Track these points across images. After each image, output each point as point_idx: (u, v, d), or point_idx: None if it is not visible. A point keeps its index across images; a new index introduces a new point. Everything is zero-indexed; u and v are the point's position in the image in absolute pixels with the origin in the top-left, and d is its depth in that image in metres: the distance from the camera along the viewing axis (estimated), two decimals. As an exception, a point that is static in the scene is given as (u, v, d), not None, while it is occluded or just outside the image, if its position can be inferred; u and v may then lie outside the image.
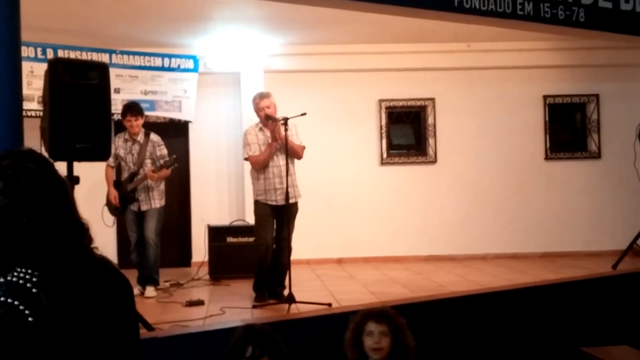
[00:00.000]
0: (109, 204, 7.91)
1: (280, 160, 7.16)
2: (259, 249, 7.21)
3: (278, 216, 7.25)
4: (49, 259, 1.66)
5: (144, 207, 7.84)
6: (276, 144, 7.12)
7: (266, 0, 6.45)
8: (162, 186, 7.98)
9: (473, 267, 9.48)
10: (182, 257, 10.36)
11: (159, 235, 7.92)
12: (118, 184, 7.92)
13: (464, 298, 6.84)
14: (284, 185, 7.07)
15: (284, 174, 7.09)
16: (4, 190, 1.65)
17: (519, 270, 9.09)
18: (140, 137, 7.88)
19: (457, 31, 9.09)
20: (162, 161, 7.83)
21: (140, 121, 7.84)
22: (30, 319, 1.55)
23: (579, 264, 9.37)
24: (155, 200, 7.87)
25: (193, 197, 10.48)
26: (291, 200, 7.14)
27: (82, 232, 1.77)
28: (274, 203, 7.17)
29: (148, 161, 7.85)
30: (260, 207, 7.25)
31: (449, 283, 8.15)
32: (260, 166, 7.19)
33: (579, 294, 7.14)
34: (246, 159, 7.41)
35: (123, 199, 7.81)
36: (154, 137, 7.95)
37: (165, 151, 7.95)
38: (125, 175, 7.91)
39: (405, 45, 10.35)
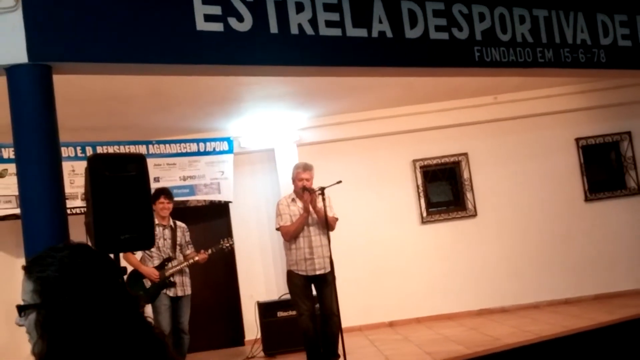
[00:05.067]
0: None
1: (312, 230, 7.24)
2: (299, 319, 7.25)
3: (315, 286, 7.30)
4: (106, 349, 1.71)
5: (180, 293, 7.66)
6: (307, 215, 7.21)
7: (290, 76, 6.62)
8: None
9: (527, 317, 9.38)
10: (235, 336, 10.38)
11: None
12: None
13: (522, 349, 6.76)
14: (314, 256, 7.14)
15: (315, 244, 7.17)
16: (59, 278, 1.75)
17: (574, 315, 8.98)
18: (171, 223, 7.91)
19: (482, 85, 9.19)
20: (220, 245, 8.10)
21: (171, 206, 7.84)
22: None
23: (635, 303, 9.22)
24: (188, 287, 7.76)
25: (240, 275, 10.54)
26: (319, 272, 7.19)
27: (136, 304, 1.86)
28: (304, 273, 7.22)
29: (178, 247, 7.86)
30: (293, 277, 7.31)
31: (504, 335, 8.08)
32: (290, 237, 7.27)
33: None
34: (278, 229, 7.49)
35: (157, 285, 7.61)
36: (181, 224, 7.99)
37: (189, 238, 8.05)
38: (154, 262, 7.70)
39: (433, 104, 10.45)
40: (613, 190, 10.94)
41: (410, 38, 5.70)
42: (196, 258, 7.83)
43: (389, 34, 5.59)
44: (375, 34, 5.53)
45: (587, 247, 10.61)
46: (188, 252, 7.91)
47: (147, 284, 7.56)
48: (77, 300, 1.73)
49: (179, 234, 7.88)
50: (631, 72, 7.27)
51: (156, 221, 7.60)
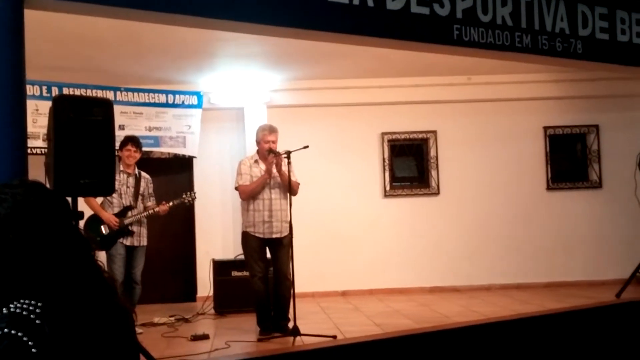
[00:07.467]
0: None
1: (273, 194, 7.24)
2: (252, 281, 7.27)
3: (270, 249, 7.32)
4: (54, 289, 1.68)
5: (135, 243, 7.74)
6: (267, 177, 7.19)
7: (269, 35, 6.53)
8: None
9: (477, 298, 9.48)
10: (188, 291, 10.39)
11: None
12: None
13: (468, 328, 6.85)
14: (273, 220, 7.15)
15: (274, 208, 7.18)
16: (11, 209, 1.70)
17: (523, 301, 9.09)
18: (136, 172, 7.93)
19: (458, 64, 9.18)
20: (185, 196, 8.17)
21: (138, 155, 7.89)
22: (33, 350, 1.55)
23: (583, 293, 9.36)
24: (144, 238, 7.83)
25: (198, 231, 10.52)
26: (275, 235, 7.20)
27: (87, 247, 1.83)
28: (261, 236, 7.23)
29: (140, 197, 7.91)
30: (249, 238, 7.31)
31: (453, 314, 8.16)
32: (247, 196, 7.26)
33: (584, 323, 7.14)
34: (236, 189, 7.47)
35: (115, 232, 7.62)
36: (145, 175, 8.04)
37: (152, 190, 8.10)
38: (114, 209, 7.72)
39: (406, 79, 10.44)
40: (575, 181, 11.05)
41: (391, 9, 5.66)
42: (156, 209, 7.85)
43: (370, 3, 5.55)
44: (356, 1, 5.48)
45: (543, 235, 10.73)
46: (149, 203, 7.95)
47: (105, 230, 7.52)
48: (23, 238, 1.69)
49: (142, 184, 7.88)
50: (606, 66, 7.30)
51: (121, 167, 7.63)
